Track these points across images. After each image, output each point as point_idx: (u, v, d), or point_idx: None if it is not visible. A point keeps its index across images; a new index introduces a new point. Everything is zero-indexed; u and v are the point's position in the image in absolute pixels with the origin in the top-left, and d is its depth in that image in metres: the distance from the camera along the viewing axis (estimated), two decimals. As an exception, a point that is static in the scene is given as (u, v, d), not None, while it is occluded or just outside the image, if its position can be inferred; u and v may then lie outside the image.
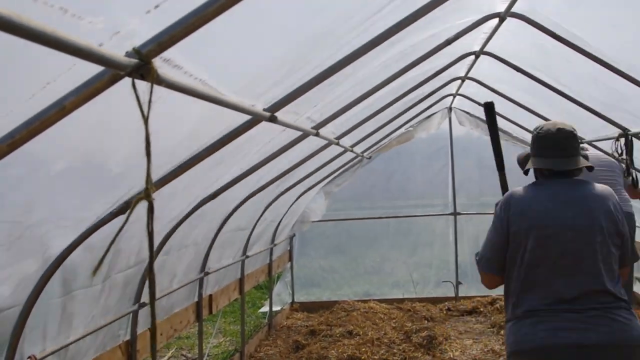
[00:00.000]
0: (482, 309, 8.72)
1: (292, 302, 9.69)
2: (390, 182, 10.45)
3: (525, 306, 3.06)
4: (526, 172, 3.50)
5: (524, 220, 3.13)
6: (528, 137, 8.49)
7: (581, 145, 4.86)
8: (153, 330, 1.55)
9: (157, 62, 1.59)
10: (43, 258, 2.82)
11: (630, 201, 6.47)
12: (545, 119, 6.74)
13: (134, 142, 2.29)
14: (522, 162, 3.82)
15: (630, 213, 6.37)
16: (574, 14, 4.10)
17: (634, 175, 5.60)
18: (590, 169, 3.25)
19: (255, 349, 7.39)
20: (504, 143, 8.97)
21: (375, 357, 6.65)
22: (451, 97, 8.38)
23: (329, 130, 4.69)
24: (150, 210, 1.45)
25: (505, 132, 8.91)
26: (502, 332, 7.48)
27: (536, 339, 2.97)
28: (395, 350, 6.82)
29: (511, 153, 9.26)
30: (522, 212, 3.16)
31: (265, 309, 9.08)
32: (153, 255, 1.48)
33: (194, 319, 5.59)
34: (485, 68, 5.96)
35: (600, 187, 3.21)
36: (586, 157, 3.44)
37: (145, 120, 1.45)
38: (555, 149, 3.19)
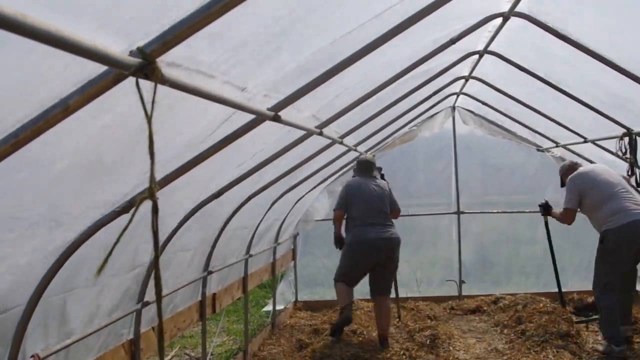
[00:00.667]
0: (485, 308, 8.72)
1: (296, 301, 9.69)
2: (393, 181, 10.40)
3: (357, 223, 6.96)
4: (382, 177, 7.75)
5: (355, 190, 7.10)
6: (532, 136, 8.51)
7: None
8: (160, 328, 1.54)
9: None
10: (46, 256, 2.82)
11: None
12: (549, 118, 6.75)
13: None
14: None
15: None
16: (578, 14, 4.09)
17: (638, 175, 5.59)
18: (382, 176, 7.72)
19: (259, 347, 7.39)
20: (507, 142, 9.05)
21: (379, 356, 6.65)
22: (454, 96, 8.38)
23: (332, 130, 4.69)
24: (155, 209, 1.45)
25: (509, 131, 8.90)
26: (505, 331, 7.48)
27: (360, 236, 6.88)
28: (398, 349, 6.81)
29: (515, 152, 9.36)
30: (356, 187, 7.14)
31: (269, 307, 9.08)
32: (158, 253, 1.48)
33: (197, 318, 5.60)
34: (488, 67, 5.95)
35: (381, 181, 7.46)
36: (380, 169, 7.74)
37: (149, 119, 1.45)
38: (365, 167, 7.30)
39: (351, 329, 7.48)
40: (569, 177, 6.63)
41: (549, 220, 7.61)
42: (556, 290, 8.52)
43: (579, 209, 6.54)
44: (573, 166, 6.78)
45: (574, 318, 7.33)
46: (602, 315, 6.46)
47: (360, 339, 7.14)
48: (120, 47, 1.53)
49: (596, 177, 6.39)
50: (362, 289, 9.83)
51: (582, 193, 6.40)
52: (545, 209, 7.46)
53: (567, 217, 6.61)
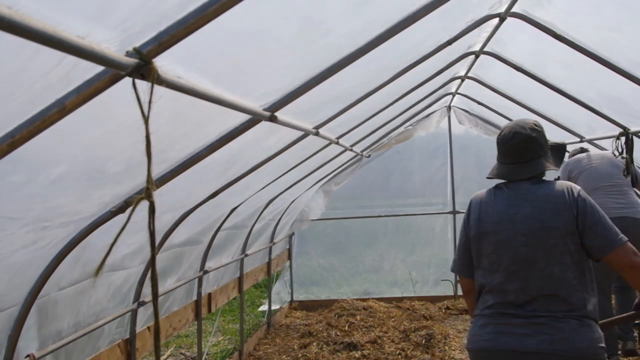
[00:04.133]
0: (481, 308, 8.72)
1: (291, 301, 9.70)
2: (389, 181, 10.46)
3: (480, 307, 3.13)
4: (490, 177, 3.36)
5: (480, 226, 3.15)
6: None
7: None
8: (157, 328, 1.53)
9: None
10: (42, 257, 2.81)
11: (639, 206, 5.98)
12: (546, 118, 6.74)
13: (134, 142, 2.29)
14: (569, 156, 3.61)
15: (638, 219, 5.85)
16: (573, 14, 4.10)
17: (634, 174, 5.59)
18: (543, 174, 3.21)
19: (254, 347, 7.40)
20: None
21: (373, 356, 6.65)
22: (450, 96, 8.38)
23: (328, 130, 4.69)
24: (152, 210, 1.45)
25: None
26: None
27: (481, 340, 3.05)
28: (393, 349, 6.82)
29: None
30: (479, 218, 3.18)
31: (264, 307, 9.09)
32: (155, 254, 1.48)
33: (193, 318, 5.59)
34: (485, 67, 5.95)
35: (559, 186, 3.10)
36: (558, 151, 3.34)
37: (146, 120, 1.45)
38: (511, 155, 3.18)
39: (347, 329, 7.48)
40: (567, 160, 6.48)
41: None
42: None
43: None
44: (576, 152, 6.52)
45: None
46: None
47: (356, 337, 7.14)
48: (116, 48, 1.53)
49: (588, 166, 6.11)
50: (358, 288, 9.90)
51: (575, 175, 6.14)
52: None
53: None
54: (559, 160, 3.27)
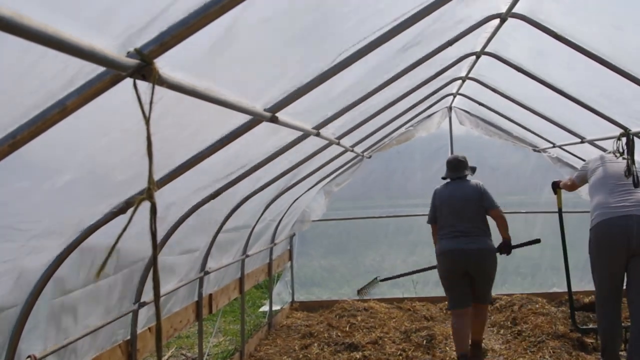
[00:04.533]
0: (481, 309, 8.71)
1: (292, 302, 9.69)
2: (390, 182, 10.44)
3: (442, 235, 6.51)
4: (444, 178, 6.78)
5: (442, 199, 6.63)
6: (528, 137, 8.52)
7: None
8: (158, 328, 1.53)
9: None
10: (42, 257, 2.81)
11: None
12: (546, 119, 6.75)
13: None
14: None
15: None
16: (574, 14, 4.10)
17: (635, 175, 5.56)
18: (473, 171, 6.75)
19: (255, 348, 7.39)
20: (504, 142, 9.05)
21: (374, 356, 6.65)
22: (451, 97, 8.37)
23: (329, 130, 4.69)
24: (153, 210, 1.45)
25: (505, 131, 8.91)
26: (502, 331, 7.49)
27: (447, 246, 6.40)
28: (394, 350, 6.81)
29: (511, 152, 9.36)
30: (441, 196, 6.67)
31: (265, 308, 9.08)
32: (157, 254, 1.48)
33: (193, 319, 5.59)
34: (486, 68, 5.95)
35: (474, 182, 6.61)
36: (473, 170, 6.79)
37: (147, 120, 1.45)
38: (453, 167, 6.68)
39: (348, 330, 7.47)
40: None
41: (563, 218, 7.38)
42: (551, 290, 8.53)
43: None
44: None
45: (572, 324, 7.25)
46: (599, 338, 5.97)
47: (357, 338, 7.13)
48: (118, 48, 1.53)
49: (601, 165, 5.97)
50: (363, 290, 9.89)
51: (589, 174, 6.08)
52: (555, 185, 7.26)
53: (568, 185, 6.84)
54: (473, 172, 6.76)
